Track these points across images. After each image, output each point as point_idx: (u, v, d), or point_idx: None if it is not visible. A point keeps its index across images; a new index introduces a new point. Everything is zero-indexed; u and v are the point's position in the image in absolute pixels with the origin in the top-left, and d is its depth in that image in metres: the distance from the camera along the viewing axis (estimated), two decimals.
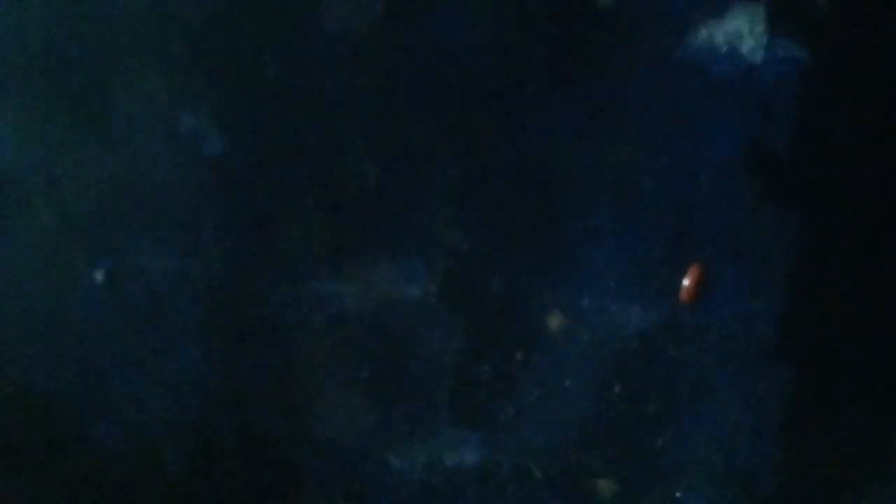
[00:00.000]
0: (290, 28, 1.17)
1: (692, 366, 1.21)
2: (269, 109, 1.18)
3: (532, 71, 1.17)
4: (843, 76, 1.17)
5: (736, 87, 1.16)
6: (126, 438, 1.24)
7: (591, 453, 1.23)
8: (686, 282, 1.19)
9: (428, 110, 1.18)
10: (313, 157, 1.19)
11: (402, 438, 1.22)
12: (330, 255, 1.20)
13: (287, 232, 1.20)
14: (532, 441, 1.22)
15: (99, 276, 1.21)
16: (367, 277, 1.20)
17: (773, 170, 1.18)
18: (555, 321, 1.21)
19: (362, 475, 1.23)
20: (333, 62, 1.18)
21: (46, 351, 1.23)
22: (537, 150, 1.19)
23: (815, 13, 1.15)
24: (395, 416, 1.22)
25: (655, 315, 1.20)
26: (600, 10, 1.16)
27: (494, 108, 1.18)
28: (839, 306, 1.19)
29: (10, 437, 1.24)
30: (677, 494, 1.19)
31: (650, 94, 1.17)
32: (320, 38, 1.17)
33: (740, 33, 1.16)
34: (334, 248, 1.20)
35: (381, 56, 1.18)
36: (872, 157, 1.17)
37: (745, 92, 1.16)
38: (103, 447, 1.24)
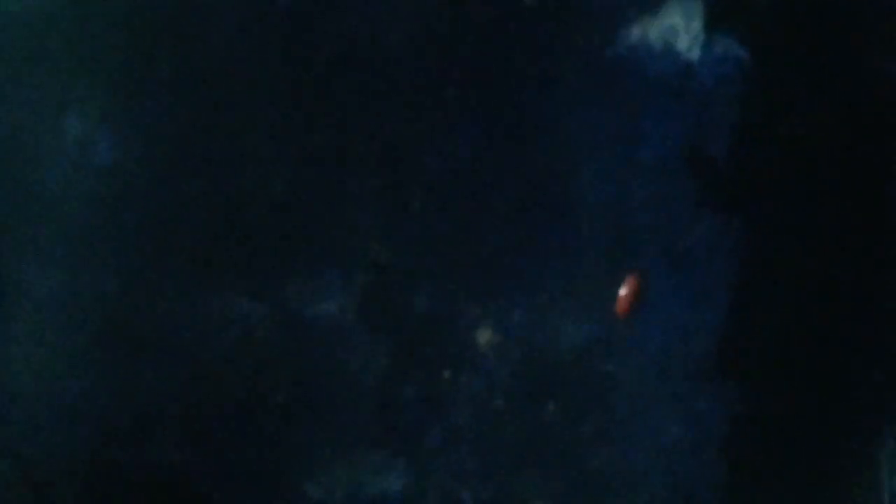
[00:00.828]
0: (185, 25, 1.10)
1: (630, 382, 1.17)
2: (163, 114, 1.11)
3: (457, 72, 1.12)
4: (783, 75, 1.14)
5: (672, 87, 1.13)
6: (11, 473, 1.15)
7: (525, 476, 1.18)
8: (622, 293, 1.15)
9: (343, 113, 1.13)
10: (214, 166, 1.12)
11: (320, 466, 1.16)
12: (235, 271, 1.13)
13: (186, 246, 1.13)
14: (461, 465, 1.17)
15: None
16: (277, 295, 1.14)
17: (712, 174, 1.15)
18: (484, 337, 1.16)
19: None
20: (235, 62, 1.12)
21: None
22: (462, 155, 1.14)
23: (753, 9, 1.13)
24: (312, 442, 1.16)
25: (590, 329, 1.16)
26: (528, 7, 1.12)
27: (417, 111, 1.13)
28: (781, 318, 1.17)
29: None
30: None
31: (583, 94, 1.13)
32: (219, 36, 1.10)
33: (676, 30, 1.13)
34: (239, 264, 1.13)
35: (289, 55, 1.12)
36: (815, 160, 1.15)
37: (682, 92, 1.13)
38: None
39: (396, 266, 1.15)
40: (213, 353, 1.14)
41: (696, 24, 1.12)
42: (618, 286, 1.15)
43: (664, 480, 1.19)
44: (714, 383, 1.17)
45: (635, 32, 1.13)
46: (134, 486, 1.16)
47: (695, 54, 1.13)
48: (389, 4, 1.11)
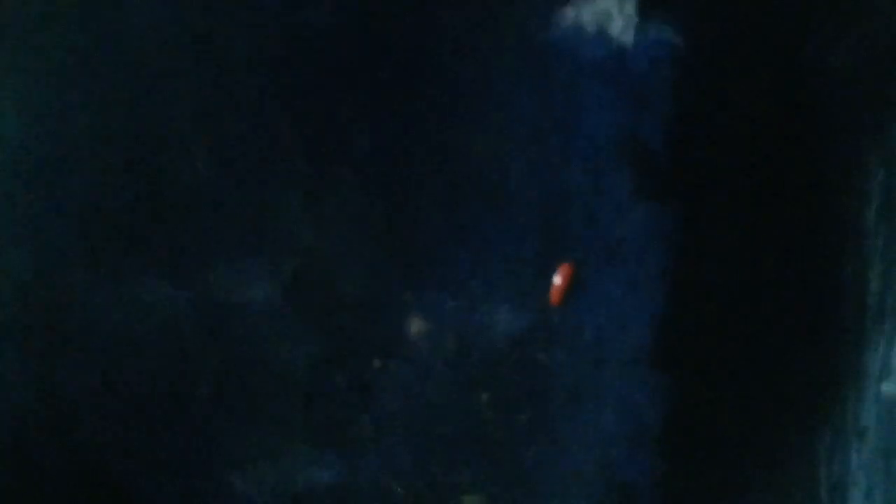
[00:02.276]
0: (99, 9, 1.09)
1: (565, 371, 1.17)
2: (78, 89, 1.09)
3: (384, 55, 1.11)
4: (717, 60, 1.13)
5: (606, 72, 1.13)
6: None
7: (458, 468, 1.17)
8: (556, 282, 1.15)
9: (270, 94, 1.11)
10: (135, 147, 1.10)
11: (247, 458, 1.15)
12: (156, 256, 1.11)
13: (106, 230, 1.11)
14: (393, 457, 1.17)
15: None
16: (202, 280, 1.12)
17: (647, 162, 1.14)
18: (415, 325, 1.15)
19: (202, 499, 1.15)
20: (155, 43, 1.09)
21: None
22: (394, 140, 1.12)
23: None
24: (239, 432, 1.14)
25: (525, 318, 1.16)
26: None
27: (347, 95, 1.11)
28: (716, 307, 1.16)
29: None
30: None
31: (516, 79, 1.12)
32: (139, 17, 1.09)
33: (609, 14, 1.12)
34: (161, 248, 1.11)
35: (211, 37, 1.10)
36: (749, 147, 1.14)
37: (617, 77, 1.13)
38: None
39: (324, 252, 1.13)
40: (134, 341, 1.13)
41: (630, 8, 1.12)
42: (552, 275, 1.15)
43: (600, 472, 1.19)
44: (650, 374, 1.17)
45: (569, 16, 1.12)
46: (55, 477, 1.15)
47: (628, 38, 1.13)
48: None
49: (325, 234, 1.13)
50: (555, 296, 1.15)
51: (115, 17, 1.08)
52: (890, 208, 1.16)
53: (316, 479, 1.16)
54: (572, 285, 1.15)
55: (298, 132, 1.11)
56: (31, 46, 1.08)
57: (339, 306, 1.14)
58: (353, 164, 1.12)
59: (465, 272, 1.15)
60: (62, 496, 1.14)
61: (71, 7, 1.07)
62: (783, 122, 1.15)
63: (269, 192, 1.12)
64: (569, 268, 1.15)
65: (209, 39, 1.09)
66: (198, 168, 1.10)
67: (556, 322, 1.16)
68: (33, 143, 1.08)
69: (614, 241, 1.16)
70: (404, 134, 1.12)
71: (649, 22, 1.12)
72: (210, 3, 1.09)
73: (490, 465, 1.17)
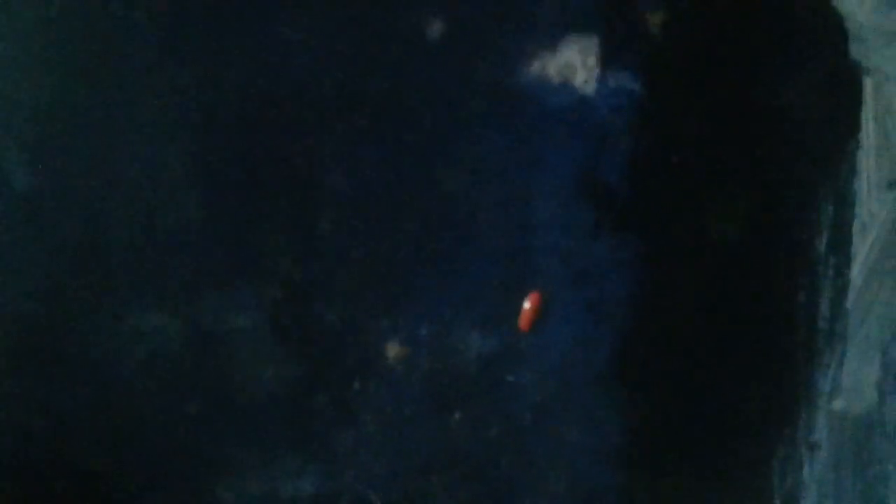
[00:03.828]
0: (99, 56, 1.14)
1: (532, 390, 1.21)
2: (78, 141, 1.16)
3: (361, 99, 1.17)
4: (674, 105, 1.19)
5: (570, 118, 1.18)
6: None
7: (432, 480, 1.22)
8: (525, 308, 1.20)
9: (256, 139, 1.17)
10: (128, 186, 1.16)
11: (233, 471, 1.20)
12: (150, 288, 1.17)
13: (101, 264, 1.17)
14: (371, 469, 1.21)
15: None
16: (191, 309, 1.17)
17: (608, 198, 1.20)
18: (392, 350, 1.20)
19: None
20: (149, 91, 1.15)
21: None
22: (371, 178, 1.18)
23: (646, 46, 1.17)
24: (225, 448, 1.20)
25: (494, 341, 1.20)
26: (430, 42, 1.16)
27: (323, 136, 1.17)
28: (675, 329, 1.21)
29: None
30: None
31: (486, 123, 1.18)
32: (133, 65, 1.15)
33: (573, 66, 1.17)
34: (154, 281, 1.17)
35: (202, 83, 1.16)
36: (704, 183, 1.20)
37: (579, 122, 1.18)
38: None
39: (306, 283, 1.18)
40: (128, 365, 1.18)
41: (592, 60, 1.17)
42: (520, 301, 1.20)
43: (566, 484, 1.23)
44: (613, 391, 1.22)
45: (535, 67, 1.17)
46: (51, 492, 1.20)
47: (590, 88, 1.18)
48: (302, 42, 1.16)
49: (306, 266, 1.18)
50: (523, 321, 1.20)
51: (112, 73, 1.14)
52: (839, 240, 1.21)
53: (299, 490, 1.20)
54: (539, 311, 1.19)
55: (281, 172, 1.16)
56: (34, 99, 1.13)
57: (320, 332, 1.18)
58: (332, 202, 1.17)
59: (438, 300, 1.19)
60: None
61: (64, 45, 1.13)
62: (737, 159, 1.20)
63: (254, 227, 1.17)
64: (537, 296, 1.20)
65: (200, 89, 1.15)
66: (188, 207, 1.15)
67: (524, 345, 1.20)
68: (38, 190, 1.14)
69: (578, 270, 1.20)
70: (380, 173, 1.17)
71: (609, 72, 1.17)
72: (201, 55, 1.15)
73: (462, 478, 1.22)
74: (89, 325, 1.16)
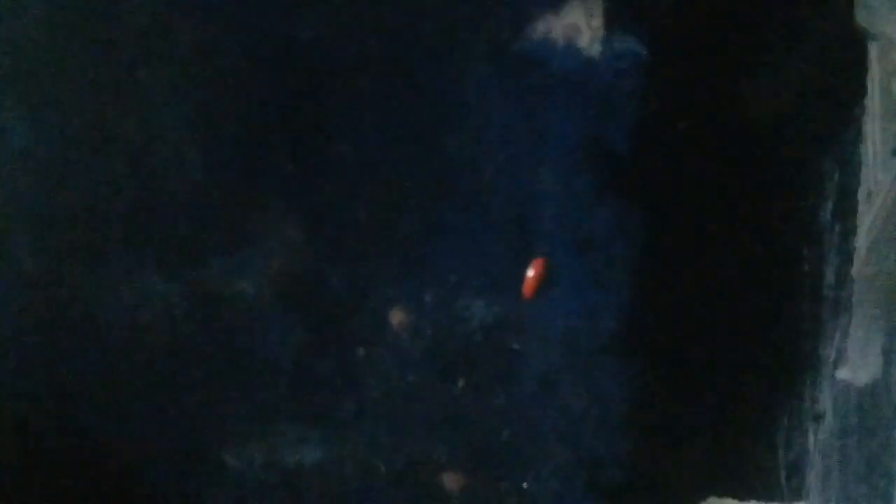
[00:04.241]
0: (100, 17, 1.13)
1: (537, 359, 1.22)
2: (78, 99, 1.15)
3: (366, 64, 1.17)
4: (680, 71, 1.19)
5: (575, 81, 1.18)
6: None
7: (437, 447, 1.23)
8: (529, 276, 1.20)
9: (257, 100, 1.17)
10: (129, 148, 1.17)
11: (238, 437, 1.21)
12: (152, 252, 1.17)
13: (105, 229, 1.17)
14: (375, 437, 1.22)
15: None
16: (195, 274, 1.18)
17: (613, 164, 1.20)
18: (397, 316, 1.21)
19: (197, 476, 1.21)
20: (146, 50, 1.15)
21: None
22: (375, 144, 1.18)
23: (652, 8, 1.17)
24: (230, 414, 1.21)
25: (499, 309, 1.21)
26: (434, 5, 1.17)
27: (327, 101, 1.17)
28: (680, 299, 1.22)
29: None
30: (524, 485, 1.21)
31: (489, 87, 1.18)
32: (134, 28, 1.15)
33: (577, 27, 1.18)
34: (156, 245, 1.17)
35: (205, 45, 1.16)
36: (709, 152, 1.20)
37: (584, 86, 1.18)
38: None
39: (311, 247, 1.19)
40: (132, 330, 1.19)
41: (597, 22, 1.17)
42: (525, 269, 1.20)
43: (570, 453, 1.24)
44: (617, 360, 1.22)
45: (540, 29, 1.17)
46: (58, 458, 1.20)
47: (595, 50, 1.18)
48: (303, 3, 1.16)
49: (311, 232, 1.19)
50: (527, 288, 1.20)
51: (113, 33, 1.14)
52: (844, 207, 1.20)
53: (303, 457, 1.21)
54: (544, 279, 1.20)
55: (285, 138, 1.17)
56: (34, 58, 1.14)
57: (324, 298, 1.19)
58: (337, 167, 1.18)
59: (443, 267, 1.20)
60: (65, 476, 1.20)
61: (69, 17, 1.13)
62: (742, 126, 1.20)
63: (258, 192, 1.17)
64: (541, 262, 1.20)
65: (202, 51, 1.15)
66: (191, 170, 1.15)
67: (528, 313, 1.21)
68: (37, 148, 1.15)
69: (583, 238, 1.21)
70: (385, 138, 1.18)
71: (615, 35, 1.17)
72: (203, 16, 1.15)
73: (466, 445, 1.23)
74: (93, 291, 1.17)
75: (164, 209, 1.17)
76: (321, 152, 1.17)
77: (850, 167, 1.19)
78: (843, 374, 1.21)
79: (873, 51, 1.18)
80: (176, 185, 1.16)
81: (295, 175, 1.17)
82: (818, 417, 1.22)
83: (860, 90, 1.18)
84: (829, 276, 1.21)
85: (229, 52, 1.15)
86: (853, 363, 1.21)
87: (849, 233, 1.20)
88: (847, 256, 1.20)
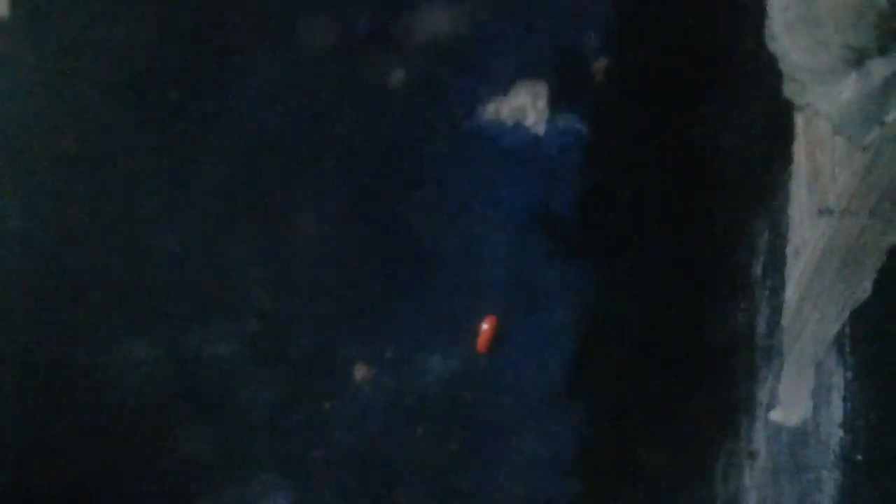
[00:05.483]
0: (84, 105, 1.21)
1: (491, 407, 1.28)
2: (69, 185, 1.22)
3: (332, 144, 1.24)
4: (619, 145, 1.26)
5: (523, 156, 1.25)
6: None
7: (399, 490, 1.29)
8: (483, 331, 1.26)
9: (227, 181, 1.24)
10: (115, 228, 1.23)
11: (215, 485, 1.27)
12: (138, 322, 1.24)
13: (94, 301, 1.24)
14: (343, 482, 1.28)
15: None
16: (176, 340, 1.24)
17: (560, 229, 1.26)
18: (360, 372, 1.27)
19: None
20: (127, 134, 1.22)
21: None
22: (339, 215, 1.25)
23: (591, 90, 1.24)
24: (208, 464, 1.27)
25: (455, 362, 1.27)
26: (393, 91, 1.23)
27: (297, 182, 1.24)
28: (624, 350, 1.28)
29: None
30: None
31: (445, 162, 1.25)
32: (111, 111, 1.22)
33: (524, 108, 1.24)
34: (142, 315, 1.24)
35: (179, 133, 1.23)
36: (649, 217, 1.27)
37: (532, 160, 1.25)
38: None
39: (280, 312, 1.26)
40: (118, 391, 1.25)
41: (542, 104, 1.24)
42: (479, 325, 1.27)
43: (523, 494, 1.30)
44: (566, 408, 1.28)
45: (491, 110, 1.24)
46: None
47: (541, 128, 1.25)
48: (269, 91, 1.23)
49: (280, 299, 1.25)
50: (481, 343, 1.27)
51: (96, 118, 1.21)
52: (774, 264, 1.27)
53: (276, 502, 1.28)
54: (496, 334, 1.26)
55: (255, 215, 1.24)
56: (27, 152, 1.21)
57: (293, 357, 1.25)
58: (303, 237, 1.24)
59: (403, 326, 1.26)
60: None
61: (59, 110, 1.20)
62: (680, 191, 1.26)
63: (231, 265, 1.24)
64: (493, 319, 1.27)
65: (176, 135, 1.22)
66: (168, 243, 1.22)
67: (482, 366, 1.27)
68: (31, 228, 1.21)
69: (533, 296, 1.27)
70: (349, 211, 1.24)
71: (558, 114, 1.24)
72: (175, 98, 1.22)
73: (427, 488, 1.28)
74: (84, 357, 1.23)
75: (146, 283, 1.23)
76: (288, 227, 1.24)
77: (780, 227, 1.26)
78: (775, 415, 1.27)
79: (799, 120, 1.25)
80: (156, 261, 1.23)
81: (264, 248, 1.24)
82: (753, 456, 1.28)
83: (788, 157, 1.24)
84: (762, 326, 1.27)
85: (204, 144, 1.22)
86: (785, 405, 1.27)
87: (778, 287, 1.26)
88: (777, 308, 1.26)
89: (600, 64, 1.24)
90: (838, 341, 1.23)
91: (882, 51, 1.19)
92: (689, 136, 1.25)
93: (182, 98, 1.21)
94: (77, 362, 1.23)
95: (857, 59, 1.20)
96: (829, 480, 1.24)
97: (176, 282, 1.23)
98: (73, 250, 1.22)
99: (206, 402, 1.25)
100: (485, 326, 1.26)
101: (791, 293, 1.25)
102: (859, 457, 1.23)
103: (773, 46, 1.22)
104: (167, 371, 1.24)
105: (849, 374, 1.23)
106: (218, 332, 1.24)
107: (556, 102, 1.24)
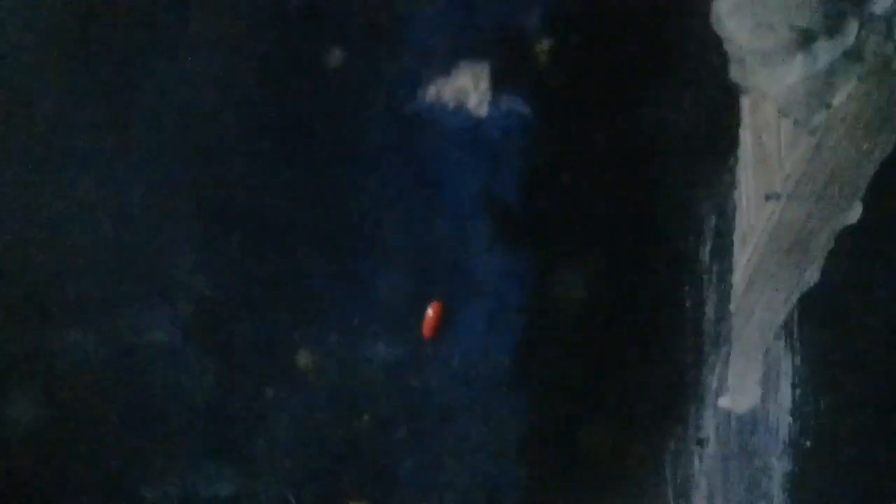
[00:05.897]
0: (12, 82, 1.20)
1: (436, 394, 1.28)
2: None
3: (268, 126, 1.23)
4: (562, 127, 1.26)
5: (465, 139, 1.25)
6: None
7: (344, 478, 1.28)
8: (427, 317, 1.26)
9: (168, 163, 1.23)
10: (46, 209, 1.23)
11: (155, 473, 1.27)
12: (71, 307, 1.23)
13: (25, 285, 1.24)
14: (286, 470, 1.28)
15: None
16: (110, 326, 1.24)
17: (503, 213, 1.26)
18: (303, 359, 1.26)
19: None
20: (57, 114, 1.22)
21: None
22: (280, 199, 1.25)
23: (534, 71, 1.24)
24: (148, 452, 1.27)
25: (399, 349, 1.27)
26: (330, 70, 1.22)
27: (233, 164, 1.24)
28: (569, 336, 1.28)
29: None
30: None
31: (387, 146, 1.25)
32: (44, 99, 1.21)
33: (466, 90, 1.24)
34: (75, 300, 1.23)
35: (118, 112, 1.22)
36: (593, 200, 1.27)
37: (474, 143, 1.25)
38: None
39: (219, 298, 1.25)
40: (52, 379, 1.25)
41: (484, 85, 1.24)
42: (423, 311, 1.26)
43: (470, 480, 1.30)
44: (511, 394, 1.28)
45: (432, 92, 1.24)
46: None
47: (483, 111, 1.24)
48: (207, 70, 1.22)
49: (220, 284, 1.24)
50: (426, 329, 1.27)
51: (26, 105, 1.21)
52: (721, 248, 1.27)
53: (218, 491, 1.27)
54: (441, 320, 1.26)
55: (191, 197, 1.23)
56: None
57: (234, 344, 1.25)
58: (242, 222, 1.24)
59: (346, 311, 1.26)
60: None
61: None
62: (625, 175, 1.26)
63: (166, 249, 1.23)
64: (438, 305, 1.26)
65: (114, 118, 1.22)
66: (102, 224, 1.21)
67: (427, 352, 1.27)
68: None
69: (476, 281, 1.27)
70: (289, 197, 1.24)
71: (500, 96, 1.24)
72: (106, 92, 1.22)
73: (372, 476, 1.28)
74: (14, 344, 1.23)
75: (78, 268, 1.23)
76: (225, 210, 1.24)
77: (726, 212, 1.26)
78: (724, 402, 1.28)
79: (745, 104, 1.24)
80: (89, 246, 1.23)
81: (200, 231, 1.23)
82: (702, 443, 1.28)
83: (734, 141, 1.24)
84: (710, 312, 1.27)
85: (136, 121, 1.23)
86: (733, 392, 1.27)
87: (725, 272, 1.26)
88: (725, 294, 1.26)
89: (543, 45, 1.24)
90: (787, 327, 1.23)
91: (828, 32, 1.20)
92: (634, 119, 1.25)
93: (114, 77, 1.21)
94: (8, 350, 1.23)
95: (803, 41, 1.20)
96: (779, 467, 1.25)
97: (110, 266, 1.23)
98: (2, 235, 1.22)
99: (143, 388, 1.25)
100: (429, 312, 1.26)
101: (738, 278, 1.25)
102: (808, 443, 1.24)
103: (718, 28, 1.22)
104: (103, 358, 1.24)
105: (797, 361, 1.24)
106: (155, 318, 1.24)
107: (499, 84, 1.23)
